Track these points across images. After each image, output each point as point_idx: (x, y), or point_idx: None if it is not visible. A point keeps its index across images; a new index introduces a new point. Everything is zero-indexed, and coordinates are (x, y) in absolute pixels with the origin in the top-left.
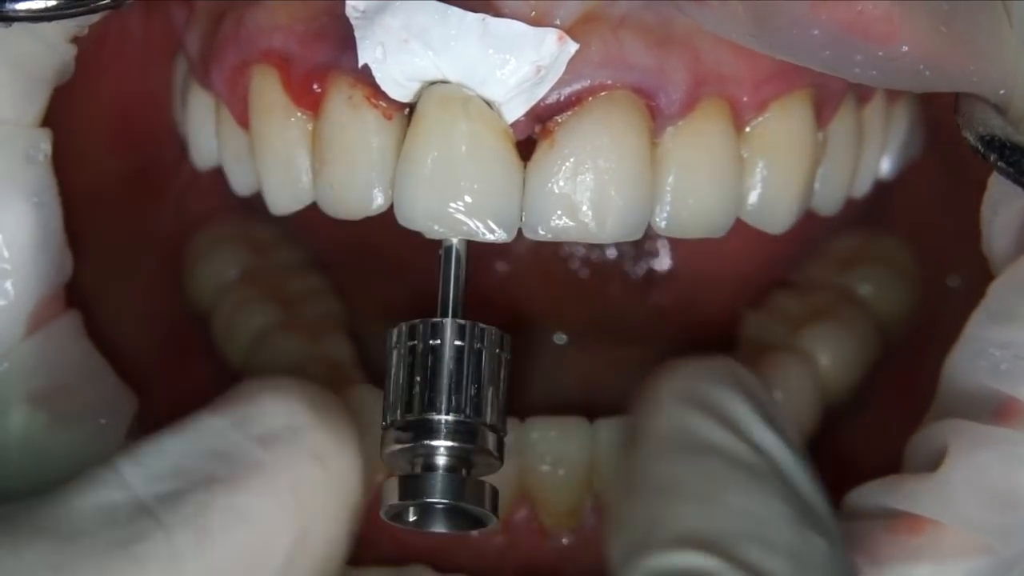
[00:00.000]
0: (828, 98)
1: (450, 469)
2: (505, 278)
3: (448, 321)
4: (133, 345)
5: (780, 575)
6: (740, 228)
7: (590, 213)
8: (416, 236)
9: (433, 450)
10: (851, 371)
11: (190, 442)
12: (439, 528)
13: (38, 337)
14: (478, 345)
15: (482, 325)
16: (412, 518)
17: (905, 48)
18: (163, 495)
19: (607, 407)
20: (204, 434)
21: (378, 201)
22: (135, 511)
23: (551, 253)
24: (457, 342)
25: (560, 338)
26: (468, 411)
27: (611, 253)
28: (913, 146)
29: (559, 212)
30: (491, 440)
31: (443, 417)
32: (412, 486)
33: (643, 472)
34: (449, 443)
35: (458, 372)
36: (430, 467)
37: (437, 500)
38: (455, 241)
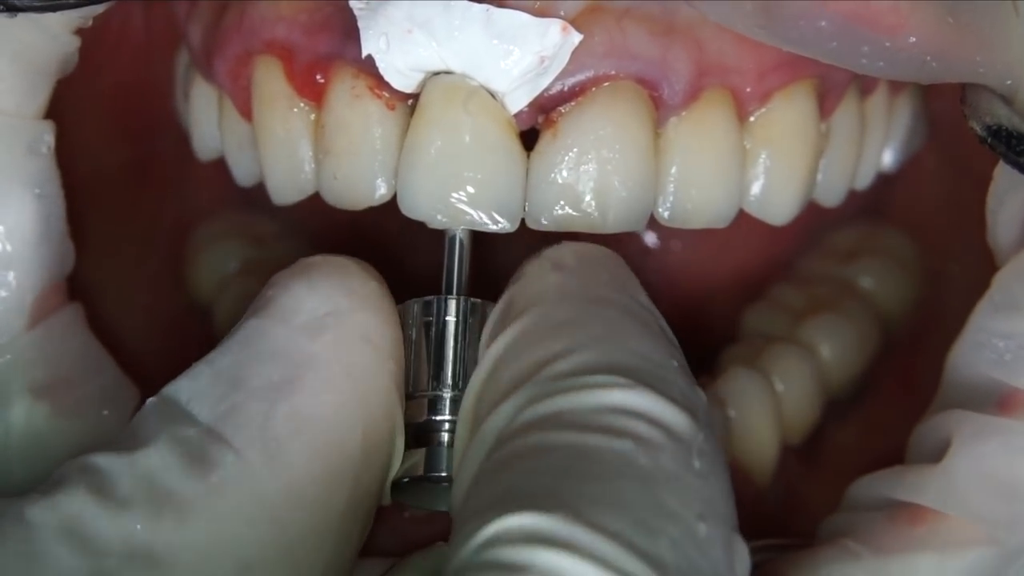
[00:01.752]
0: (831, 89)
1: (452, 445)
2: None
3: (454, 299)
4: (135, 337)
5: (675, 419)
6: (742, 222)
7: (593, 203)
8: (416, 228)
9: (439, 425)
10: (852, 363)
11: (241, 350)
12: (442, 506)
13: (40, 329)
14: (471, 320)
15: (475, 300)
16: (415, 492)
17: (912, 39)
18: (226, 413)
19: None
20: (252, 338)
21: (381, 191)
22: (205, 438)
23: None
24: (462, 319)
25: None
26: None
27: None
28: (915, 139)
29: (562, 202)
30: None
31: (448, 393)
32: (420, 461)
33: (536, 323)
34: (450, 418)
35: (463, 348)
36: (436, 442)
37: (440, 475)
38: (459, 232)
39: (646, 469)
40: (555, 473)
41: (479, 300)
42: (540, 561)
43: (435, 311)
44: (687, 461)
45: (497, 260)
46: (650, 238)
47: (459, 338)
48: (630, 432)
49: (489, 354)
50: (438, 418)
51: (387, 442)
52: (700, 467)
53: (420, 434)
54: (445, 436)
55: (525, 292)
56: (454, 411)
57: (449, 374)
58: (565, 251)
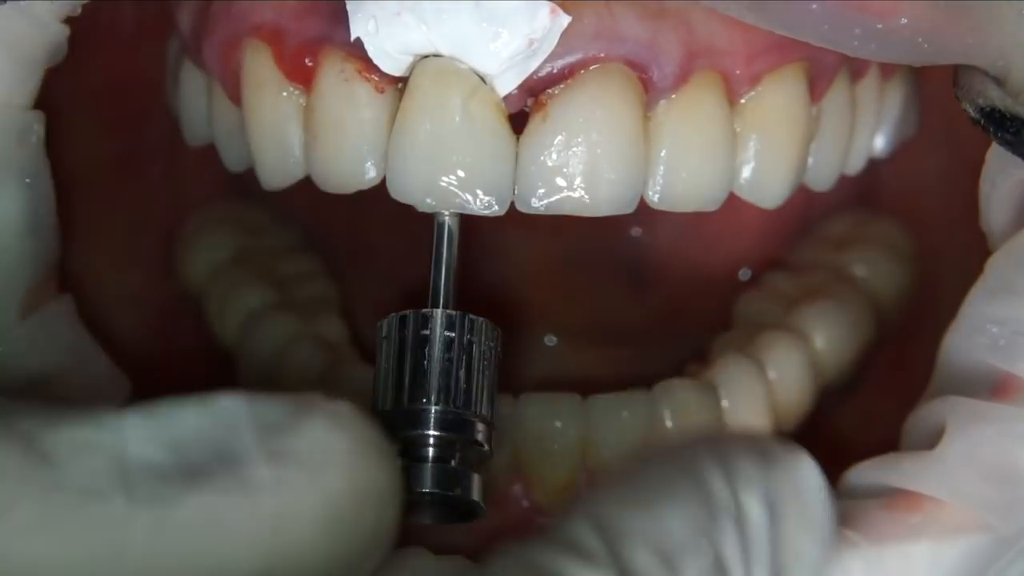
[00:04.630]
0: (822, 72)
1: (439, 460)
2: (495, 278)
3: (439, 312)
4: (126, 328)
5: None
6: (734, 211)
7: (583, 186)
8: (408, 216)
9: (422, 440)
10: (846, 351)
11: (206, 425)
12: (427, 520)
13: (31, 321)
14: (468, 336)
15: (472, 316)
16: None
17: (904, 21)
18: (146, 463)
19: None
20: (222, 425)
21: (370, 175)
22: (107, 465)
23: (542, 249)
24: (448, 332)
25: (551, 339)
26: (458, 401)
27: (601, 239)
28: (908, 124)
29: (552, 185)
30: (481, 431)
31: (432, 407)
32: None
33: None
34: (438, 433)
35: (447, 362)
36: (419, 457)
37: (426, 491)
38: (447, 217)
39: None
40: None
41: (458, 312)
42: None
43: (411, 324)
44: None
45: (484, 246)
46: (643, 227)
47: (441, 350)
48: None
49: None
50: (420, 432)
51: None
52: None
53: (404, 449)
54: (429, 451)
55: None
56: (437, 426)
57: (433, 387)
58: None
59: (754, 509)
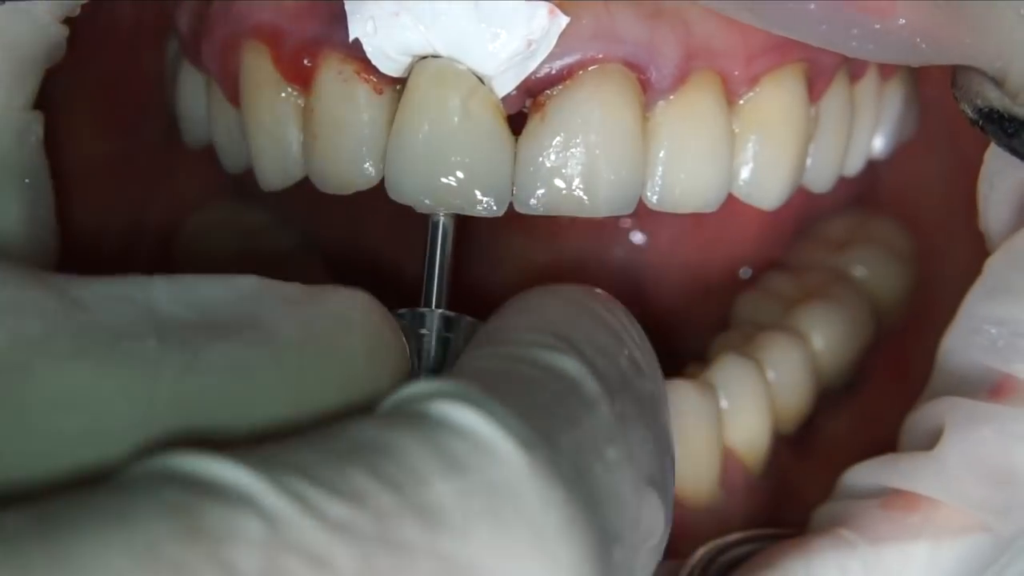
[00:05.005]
0: (820, 73)
1: None
2: (494, 282)
3: (435, 313)
4: None
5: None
6: (734, 213)
7: (582, 186)
8: (407, 217)
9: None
10: (845, 351)
11: (232, 297)
12: None
13: None
14: (464, 337)
15: (468, 318)
16: None
17: (902, 21)
18: (174, 317)
19: None
20: (247, 298)
21: (369, 175)
22: (139, 314)
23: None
24: (445, 333)
25: None
26: None
27: (600, 242)
28: (906, 125)
29: (550, 186)
30: None
31: None
32: None
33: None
34: None
35: (442, 363)
36: None
37: None
38: (442, 217)
39: (570, 386)
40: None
41: (454, 313)
42: (451, 412)
43: (407, 324)
44: (611, 405)
45: (483, 250)
46: (642, 229)
47: (437, 351)
48: (561, 366)
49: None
50: None
51: None
52: (624, 413)
53: None
54: None
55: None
56: None
57: None
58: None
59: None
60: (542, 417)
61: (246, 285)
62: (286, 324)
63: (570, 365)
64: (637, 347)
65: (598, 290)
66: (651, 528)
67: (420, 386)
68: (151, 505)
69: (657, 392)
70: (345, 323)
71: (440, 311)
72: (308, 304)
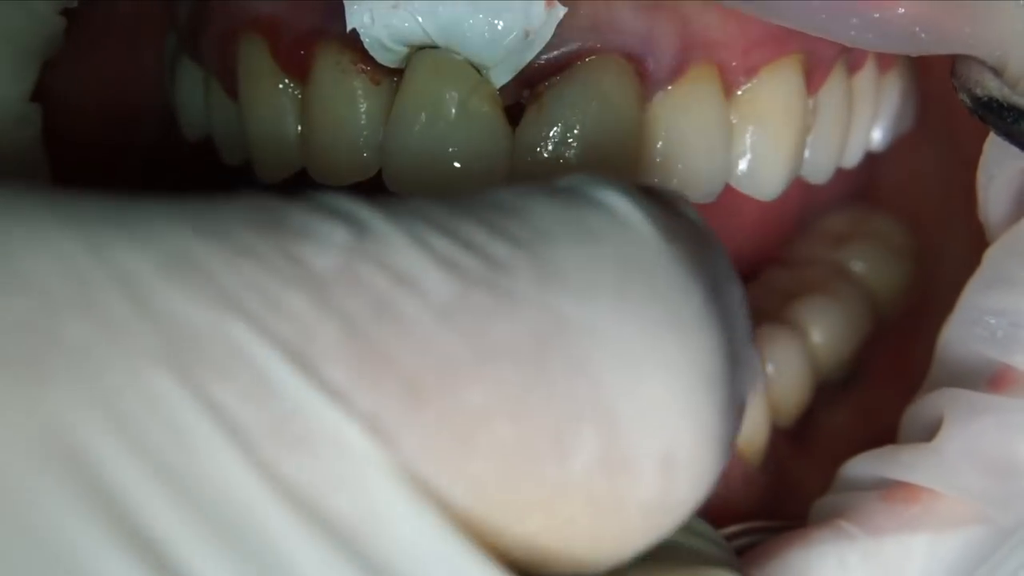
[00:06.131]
0: (818, 64)
1: None
2: None
3: None
4: None
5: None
6: (732, 208)
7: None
8: None
9: None
10: (844, 345)
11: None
12: None
13: None
14: None
15: None
16: None
17: (901, 10)
18: None
19: None
20: None
21: (367, 166)
22: None
23: None
24: None
25: None
26: None
27: None
28: (905, 118)
29: (548, 176)
30: None
31: None
32: None
33: None
34: None
35: None
36: None
37: None
38: None
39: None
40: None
41: None
42: (594, 190)
43: None
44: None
45: None
46: None
47: None
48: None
49: None
50: None
51: None
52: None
53: None
54: None
55: None
56: None
57: None
58: None
59: None
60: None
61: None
62: None
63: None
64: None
65: None
66: (753, 380)
67: (575, 176)
68: (236, 202)
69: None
70: None
71: None
72: None
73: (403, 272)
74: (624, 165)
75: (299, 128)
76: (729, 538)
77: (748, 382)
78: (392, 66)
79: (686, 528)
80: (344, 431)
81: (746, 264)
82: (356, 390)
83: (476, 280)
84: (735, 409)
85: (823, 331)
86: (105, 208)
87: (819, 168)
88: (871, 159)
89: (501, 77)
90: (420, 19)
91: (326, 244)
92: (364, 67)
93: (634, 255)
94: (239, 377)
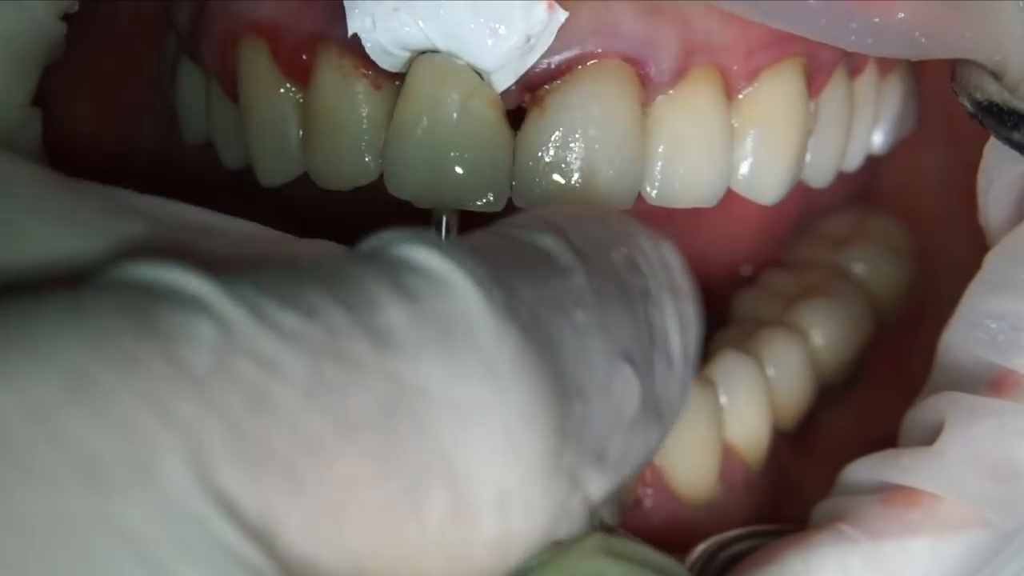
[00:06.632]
0: (819, 68)
1: None
2: None
3: None
4: None
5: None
6: (733, 210)
7: (581, 181)
8: (406, 212)
9: None
10: (845, 348)
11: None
12: None
13: None
14: None
15: None
16: None
17: (901, 15)
18: None
19: None
20: None
21: (368, 171)
22: None
23: None
24: None
25: None
26: None
27: None
28: (906, 121)
29: (550, 180)
30: None
31: None
32: None
33: None
34: None
35: None
36: None
37: None
38: (444, 214)
39: (544, 255)
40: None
41: None
42: (410, 251)
43: None
44: (587, 278)
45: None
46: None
47: None
48: (540, 240)
49: None
50: None
51: None
52: (602, 291)
53: None
54: None
55: None
56: None
57: None
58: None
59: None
60: (504, 268)
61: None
62: None
63: (549, 240)
64: (644, 256)
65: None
66: (623, 401)
67: (382, 234)
68: (106, 303)
69: (653, 291)
70: None
71: None
72: None
73: (266, 358)
74: (626, 168)
75: (300, 132)
76: (730, 541)
77: (596, 394)
78: (394, 70)
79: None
80: (234, 543)
81: (747, 266)
82: (243, 492)
83: (324, 352)
84: (569, 439)
85: (824, 334)
86: (4, 325)
87: (821, 171)
88: (872, 162)
89: (503, 81)
90: (422, 23)
91: (197, 342)
92: (365, 71)
93: (451, 311)
94: (145, 499)
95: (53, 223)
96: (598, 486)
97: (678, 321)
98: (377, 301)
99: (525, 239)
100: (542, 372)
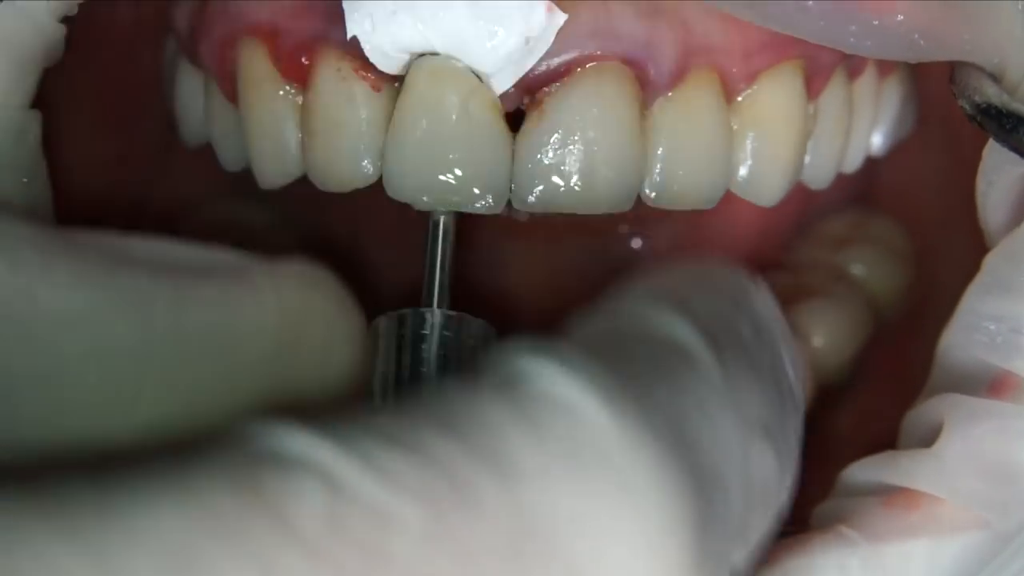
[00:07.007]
0: (818, 70)
1: None
2: (493, 288)
3: (436, 312)
4: None
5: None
6: (732, 212)
7: (580, 183)
8: (406, 214)
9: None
10: (844, 350)
11: (200, 252)
12: None
13: None
14: (466, 337)
15: (469, 317)
16: None
17: (900, 17)
18: (160, 263)
19: None
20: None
21: (367, 173)
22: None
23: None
24: (445, 332)
25: None
26: None
27: (598, 244)
28: (905, 123)
29: (548, 182)
30: None
31: None
32: None
33: None
34: None
35: (444, 362)
36: None
37: None
38: (443, 215)
39: (672, 345)
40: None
41: (456, 312)
42: (530, 368)
43: (409, 323)
44: (719, 365)
45: (482, 256)
46: (641, 228)
47: (438, 350)
48: (668, 328)
49: None
50: None
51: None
52: (734, 373)
53: None
54: None
55: None
56: None
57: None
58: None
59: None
60: (635, 372)
61: (218, 252)
62: (263, 275)
63: (679, 330)
64: (760, 312)
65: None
66: (761, 471)
67: (500, 349)
68: (209, 470)
69: (775, 349)
70: (315, 279)
71: (441, 310)
72: (281, 264)
73: (378, 508)
74: (625, 171)
75: (299, 135)
76: None
77: (736, 480)
78: (393, 73)
79: None
80: None
81: (746, 268)
82: None
83: (442, 493)
84: (712, 528)
85: (823, 336)
86: (100, 504)
87: (820, 173)
88: (871, 164)
89: (502, 84)
90: (421, 26)
91: (306, 503)
92: (365, 74)
93: (580, 433)
94: None
95: (64, 287)
96: (742, 555)
97: (792, 364)
98: (498, 431)
99: (654, 330)
100: (679, 475)
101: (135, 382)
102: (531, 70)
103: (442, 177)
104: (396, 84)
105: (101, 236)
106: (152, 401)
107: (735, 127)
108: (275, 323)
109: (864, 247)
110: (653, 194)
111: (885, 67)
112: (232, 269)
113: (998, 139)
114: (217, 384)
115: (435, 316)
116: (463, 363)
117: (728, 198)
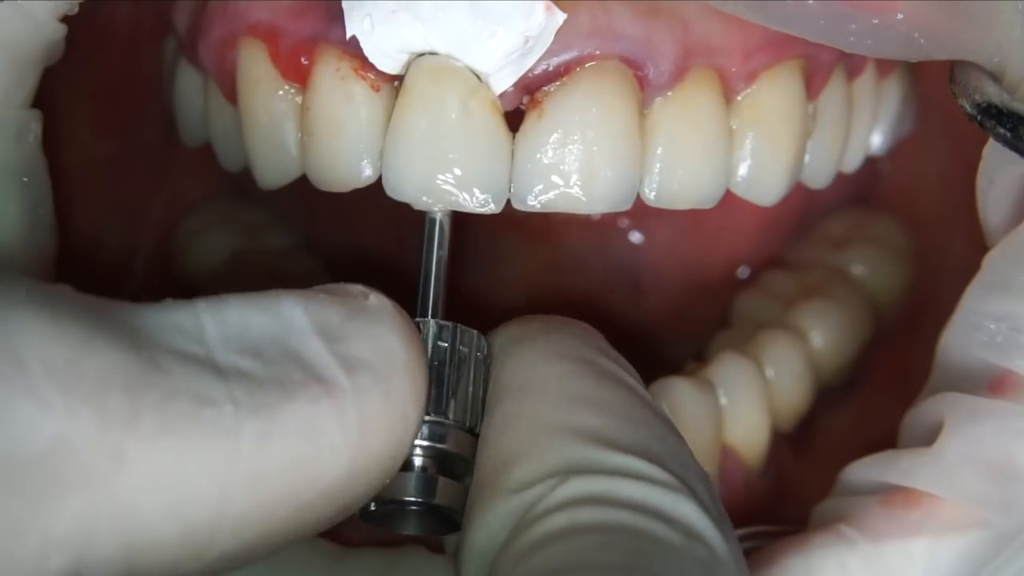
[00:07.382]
0: (818, 70)
1: (424, 469)
2: (493, 285)
3: (431, 322)
4: None
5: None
6: (733, 211)
7: (579, 183)
8: (405, 214)
9: (411, 450)
10: (844, 349)
11: (275, 331)
12: (410, 530)
13: None
14: (462, 348)
15: (463, 327)
16: (384, 516)
17: (900, 16)
18: (238, 371)
19: None
20: (290, 332)
21: (367, 173)
22: (210, 372)
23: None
24: (440, 343)
25: None
26: (448, 412)
27: (598, 243)
28: (904, 122)
29: (548, 183)
30: (467, 443)
31: (425, 417)
32: (388, 484)
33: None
34: (425, 443)
35: (438, 373)
36: (405, 466)
37: (410, 500)
38: (439, 215)
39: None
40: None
41: (450, 323)
42: None
43: None
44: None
45: (481, 254)
46: (641, 228)
47: (433, 360)
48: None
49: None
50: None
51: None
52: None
53: None
54: (416, 461)
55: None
56: (425, 436)
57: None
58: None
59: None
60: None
61: (287, 315)
62: (341, 374)
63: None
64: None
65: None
66: None
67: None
68: None
69: None
70: (391, 360)
71: (436, 320)
72: (354, 339)
73: None
74: (624, 170)
75: (299, 134)
76: None
77: None
78: (392, 72)
79: None
80: None
81: (746, 268)
82: None
83: None
84: None
85: (824, 336)
86: None
87: (820, 173)
88: (871, 163)
89: (501, 83)
90: (420, 25)
91: None
92: (364, 73)
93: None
94: None
95: (149, 438)
96: None
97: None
98: None
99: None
100: None
101: (209, 536)
102: (530, 70)
103: (441, 177)
104: (395, 84)
105: (164, 310)
106: (221, 550)
107: (735, 127)
108: (355, 441)
109: (864, 246)
110: (652, 194)
111: (885, 66)
112: (309, 370)
113: (998, 138)
114: (286, 528)
115: (430, 327)
116: (457, 372)
117: (728, 198)
